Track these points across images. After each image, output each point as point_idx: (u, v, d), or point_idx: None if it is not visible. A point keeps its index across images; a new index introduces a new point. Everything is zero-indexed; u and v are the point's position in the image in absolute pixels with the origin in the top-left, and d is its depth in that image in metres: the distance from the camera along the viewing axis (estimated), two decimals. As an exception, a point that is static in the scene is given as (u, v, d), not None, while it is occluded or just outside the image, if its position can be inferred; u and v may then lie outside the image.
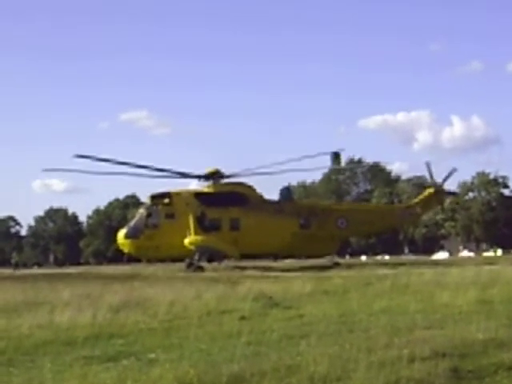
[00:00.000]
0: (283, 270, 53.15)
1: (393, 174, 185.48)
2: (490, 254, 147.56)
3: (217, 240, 56.36)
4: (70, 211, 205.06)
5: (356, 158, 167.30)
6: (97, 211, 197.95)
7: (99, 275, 50.29)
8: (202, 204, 57.21)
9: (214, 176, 58.45)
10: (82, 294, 29.76)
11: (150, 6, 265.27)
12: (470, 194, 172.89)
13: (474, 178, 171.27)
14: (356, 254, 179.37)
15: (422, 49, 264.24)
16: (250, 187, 58.88)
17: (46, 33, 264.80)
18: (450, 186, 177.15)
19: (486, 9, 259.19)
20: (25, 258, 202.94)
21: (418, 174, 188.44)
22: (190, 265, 57.46)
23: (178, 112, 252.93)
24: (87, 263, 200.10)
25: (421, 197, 62.53)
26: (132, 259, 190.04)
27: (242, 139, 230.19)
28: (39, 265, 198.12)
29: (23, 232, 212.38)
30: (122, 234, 58.79)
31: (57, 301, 26.38)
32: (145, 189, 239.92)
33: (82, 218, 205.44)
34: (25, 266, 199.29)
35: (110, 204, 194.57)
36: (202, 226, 56.58)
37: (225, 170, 58.91)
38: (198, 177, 58.64)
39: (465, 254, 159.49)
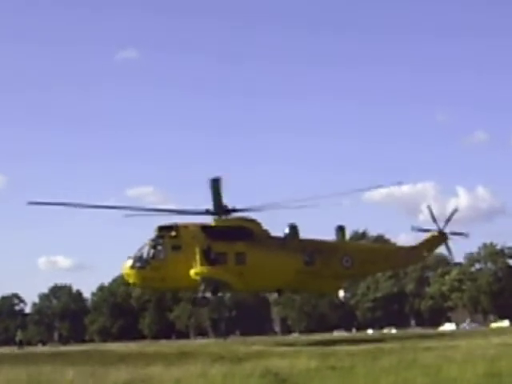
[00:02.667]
0: (289, 345, 52.43)
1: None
2: (498, 325, 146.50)
3: (222, 271, 56.82)
4: (75, 288, 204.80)
5: (360, 230, 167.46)
6: (101, 288, 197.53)
7: (104, 353, 49.93)
8: (208, 237, 57.51)
9: (221, 210, 58.88)
10: (86, 372, 29.50)
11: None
12: (477, 265, 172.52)
13: (480, 249, 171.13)
14: (362, 327, 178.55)
15: (429, 119, 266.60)
16: (256, 222, 59.12)
17: (53, 104, 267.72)
18: (456, 257, 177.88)
19: (491, 79, 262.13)
20: (29, 335, 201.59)
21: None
22: (194, 301, 57.88)
23: (182, 188, 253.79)
24: (92, 340, 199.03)
25: (425, 239, 62.84)
26: (137, 336, 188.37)
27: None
28: (44, 342, 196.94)
29: (27, 309, 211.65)
30: (127, 264, 58.63)
31: (61, 380, 26.14)
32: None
33: (87, 295, 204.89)
34: (29, 343, 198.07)
35: (115, 281, 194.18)
36: (208, 258, 56.96)
37: (231, 205, 59.23)
38: (206, 211, 58.83)
39: (472, 325, 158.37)
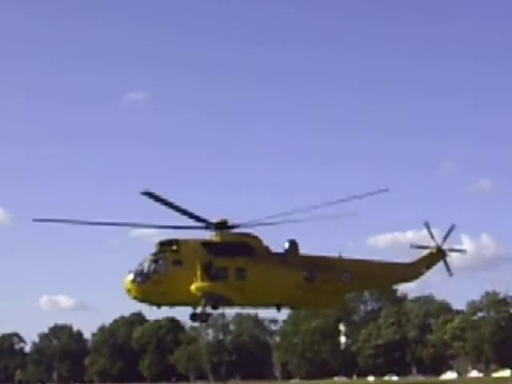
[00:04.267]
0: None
1: (399, 293, 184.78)
2: (499, 374, 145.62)
3: (223, 287, 56.88)
4: (75, 328, 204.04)
5: None
6: (102, 329, 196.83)
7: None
8: (209, 253, 57.47)
9: (222, 226, 59.10)
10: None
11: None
12: (479, 314, 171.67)
13: (482, 297, 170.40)
14: (363, 374, 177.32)
15: (434, 167, 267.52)
16: (256, 238, 59.16)
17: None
18: (458, 305, 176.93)
19: (496, 129, 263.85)
20: (28, 375, 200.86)
21: (426, 292, 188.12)
22: (193, 316, 57.76)
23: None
24: (91, 382, 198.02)
25: (423, 255, 63.12)
26: (137, 378, 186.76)
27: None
28: (42, 382, 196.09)
29: (27, 348, 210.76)
30: (128, 278, 58.58)
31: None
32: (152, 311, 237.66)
33: (87, 335, 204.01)
34: (28, 383, 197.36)
35: (116, 321, 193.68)
36: (209, 274, 56.89)
37: (232, 221, 59.45)
38: (206, 227, 59.04)
39: (474, 374, 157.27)
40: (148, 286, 57.14)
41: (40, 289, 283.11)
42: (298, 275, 58.47)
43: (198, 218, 58.57)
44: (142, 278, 57.30)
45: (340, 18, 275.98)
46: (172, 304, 59.05)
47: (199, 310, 58.01)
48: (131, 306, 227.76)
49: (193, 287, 56.58)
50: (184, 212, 57.72)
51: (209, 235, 60.04)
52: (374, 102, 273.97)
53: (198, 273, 56.83)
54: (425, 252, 63.37)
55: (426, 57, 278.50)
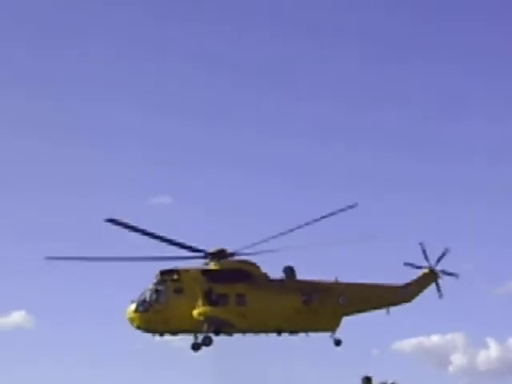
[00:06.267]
0: None
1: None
2: None
3: (224, 311, 58.96)
4: None
5: (389, 382, 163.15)
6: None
7: None
8: (208, 280, 59.68)
9: (220, 254, 61.36)
10: None
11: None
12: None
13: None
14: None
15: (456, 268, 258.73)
16: (254, 265, 61.37)
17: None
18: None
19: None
20: None
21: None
22: (195, 346, 59.44)
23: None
24: None
25: (417, 277, 65.21)
26: None
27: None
28: None
29: None
30: (131, 308, 59.98)
31: None
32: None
33: None
34: None
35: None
36: (210, 300, 59.12)
37: (229, 248, 61.23)
38: (204, 256, 60.91)
39: None
40: (151, 314, 59.09)
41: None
42: (297, 300, 60.67)
43: (194, 249, 60.68)
44: (144, 307, 59.36)
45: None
46: (174, 332, 60.56)
47: (201, 336, 59.73)
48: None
49: (195, 312, 58.59)
50: (179, 244, 59.85)
51: (202, 263, 62.05)
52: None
53: (200, 299, 58.88)
54: (419, 273, 65.40)
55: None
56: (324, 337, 62.42)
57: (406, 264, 65.47)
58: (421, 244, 64.98)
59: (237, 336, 61.41)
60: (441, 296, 65.91)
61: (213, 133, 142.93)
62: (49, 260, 61.31)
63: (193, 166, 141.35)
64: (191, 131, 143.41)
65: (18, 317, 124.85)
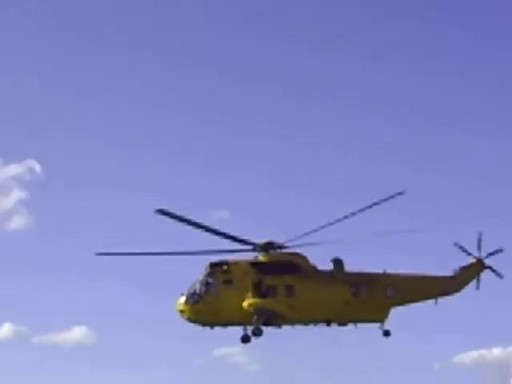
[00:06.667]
0: None
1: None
2: None
3: (274, 302, 59.89)
4: None
5: None
6: None
7: None
8: (258, 272, 60.73)
9: (268, 246, 61.90)
10: None
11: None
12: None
13: None
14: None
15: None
16: (302, 257, 62.31)
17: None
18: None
19: None
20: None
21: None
22: (245, 338, 60.20)
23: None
24: None
25: (464, 268, 65.34)
26: None
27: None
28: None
29: None
30: (181, 300, 60.87)
31: None
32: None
33: None
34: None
35: None
36: (259, 292, 60.06)
37: (278, 240, 61.86)
38: (254, 249, 61.72)
39: None
40: (201, 306, 60.13)
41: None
42: (345, 291, 61.62)
43: (243, 241, 61.52)
44: (194, 299, 60.42)
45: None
46: (224, 323, 61.38)
47: (251, 328, 60.64)
48: None
49: (245, 304, 59.52)
50: (229, 237, 60.72)
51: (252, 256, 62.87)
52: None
53: (249, 291, 59.84)
54: (467, 263, 65.39)
55: None
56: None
57: (458, 246, 65.12)
58: (479, 233, 64.79)
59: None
60: (478, 287, 65.79)
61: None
62: (99, 256, 62.27)
63: (249, 180, 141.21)
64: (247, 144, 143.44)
65: (78, 332, 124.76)
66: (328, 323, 62.41)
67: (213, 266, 60.92)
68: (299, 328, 62.22)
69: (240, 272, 60.62)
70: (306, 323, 61.95)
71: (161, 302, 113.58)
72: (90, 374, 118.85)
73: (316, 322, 62.22)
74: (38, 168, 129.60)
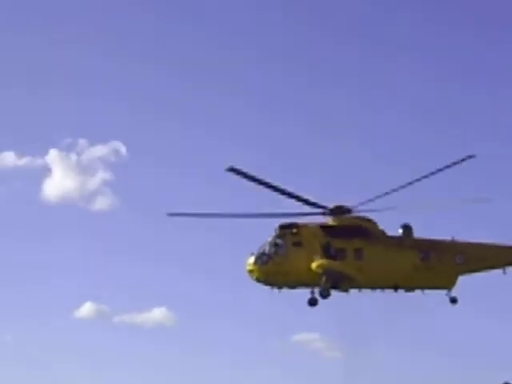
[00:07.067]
0: None
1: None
2: None
3: (344, 265, 60.30)
4: None
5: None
6: None
7: None
8: (326, 235, 61.20)
9: (338, 210, 62.25)
10: None
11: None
12: None
13: None
14: None
15: None
16: (372, 222, 62.66)
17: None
18: None
19: None
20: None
21: None
22: (312, 300, 60.76)
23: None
24: None
25: None
26: None
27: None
28: None
29: None
30: (251, 260, 61.62)
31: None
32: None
33: None
34: None
35: None
36: (328, 254, 60.50)
37: (347, 204, 62.25)
38: (323, 213, 62.06)
39: None
40: (270, 267, 60.72)
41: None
42: (414, 256, 61.77)
43: (313, 204, 61.90)
44: (263, 260, 61.01)
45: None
46: (292, 285, 61.92)
47: (319, 288, 61.02)
48: None
49: (314, 265, 59.93)
50: (299, 198, 61.16)
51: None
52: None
53: (318, 253, 60.25)
54: None
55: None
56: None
57: None
58: None
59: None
60: None
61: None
62: (171, 216, 63.49)
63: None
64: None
65: (158, 313, 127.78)
66: (395, 289, 62.56)
67: (282, 227, 61.44)
68: (366, 292, 62.37)
69: (309, 234, 61.07)
70: (373, 288, 62.06)
71: (240, 288, 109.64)
72: (169, 354, 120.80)
73: (384, 287, 62.28)
74: (123, 149, 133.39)
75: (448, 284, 62.79)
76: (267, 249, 61.15)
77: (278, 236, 61.28)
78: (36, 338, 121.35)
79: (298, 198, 60.47)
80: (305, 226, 61.80)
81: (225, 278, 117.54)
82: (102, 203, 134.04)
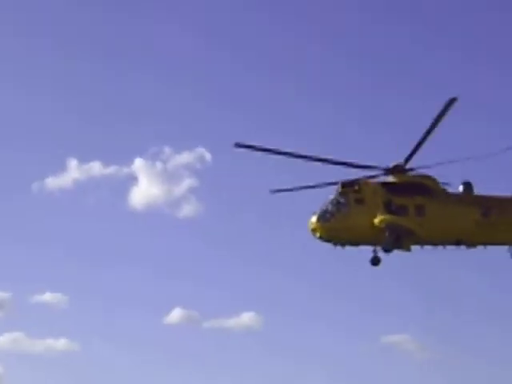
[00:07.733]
0: None
1: None
2: None
3: (405, 219, 61.31)
4: None
5: None
6: None
7: None
8: (388, 192, 62.27)
9: (397, 169, 62.94)
10: None
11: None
12: None
13: None
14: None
15: None
16: (433, 179, 63.65)
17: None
18: None
19: None
20: None
21: None
22: (374, 260, 61.88)
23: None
24: None
25: None
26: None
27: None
28: None
29: None
30: (313, 219, 62.73)
31: None
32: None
33: None
34: None
35: None
36: (390, 210, 61.53)
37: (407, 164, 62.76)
38: (385, 171, 63.03)
39: None
40: (333, 224, 61.78)
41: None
42: (475, 212, 62.62)
43: (372, 167, 63.02)
44: (326, 217, 62.10)
45: None
46: (355, 241, 62.97)
47: (382, 244, 62.04)
48: None
49: (377, 220, 61.06)
50: (355, 165, 62.17)
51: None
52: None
53: (380, 210, 61.41)
54: None
55: None
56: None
57: None
58: None
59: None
60: None
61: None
62: (274, 193, 65.14)
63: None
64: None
65: (247, 318, 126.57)
66: (458, 245, 63.38)
67: (344, 185, 62.39)
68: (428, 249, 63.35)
69: (371, 192, 62.04)
70: (435, 244, 62.96)
71: (324, 290, 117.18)
72: (257, 359, 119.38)
73: (446, 243, 63.20)
74: (208, 156, 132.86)
75: (510, 240, 63.56)
76: (329, 206, 62.25)
77: (339, 194, 62.31)
78: (127, 344, 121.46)
79: (353, 166, 61.91)
80: (366, 183, 62.82)
81: (314, 280, 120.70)
82: (187, 210, 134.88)
